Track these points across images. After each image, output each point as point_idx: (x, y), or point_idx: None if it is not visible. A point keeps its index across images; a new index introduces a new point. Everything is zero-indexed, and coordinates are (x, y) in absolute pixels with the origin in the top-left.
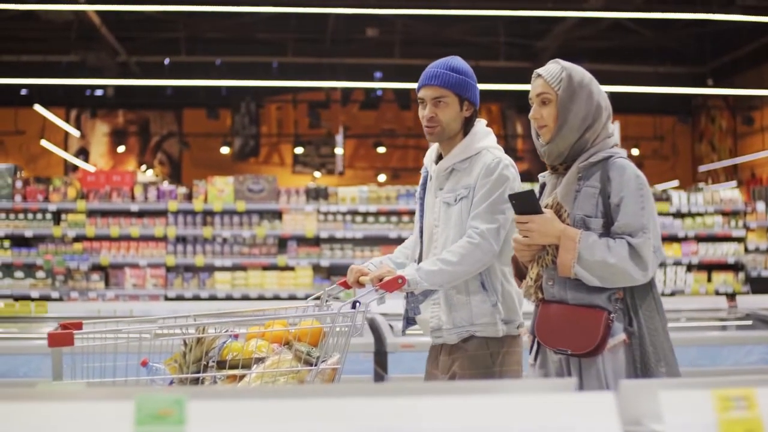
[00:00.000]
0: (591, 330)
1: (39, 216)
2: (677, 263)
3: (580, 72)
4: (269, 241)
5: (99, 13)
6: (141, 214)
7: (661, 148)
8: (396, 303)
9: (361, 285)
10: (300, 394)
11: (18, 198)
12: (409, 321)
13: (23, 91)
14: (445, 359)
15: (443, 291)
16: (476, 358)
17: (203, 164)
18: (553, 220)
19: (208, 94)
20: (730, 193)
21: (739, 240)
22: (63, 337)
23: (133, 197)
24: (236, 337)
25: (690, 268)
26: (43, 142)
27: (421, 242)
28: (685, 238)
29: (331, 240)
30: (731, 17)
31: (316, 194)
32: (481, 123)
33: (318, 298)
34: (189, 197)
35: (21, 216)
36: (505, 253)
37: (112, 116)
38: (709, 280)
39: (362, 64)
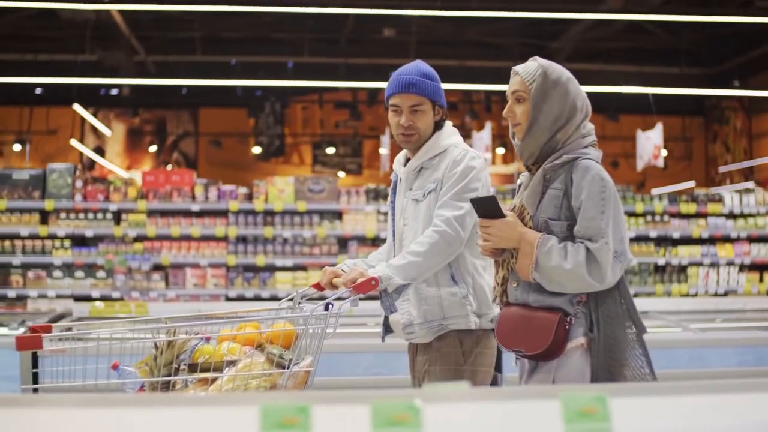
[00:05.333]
0: (544, 331)
1: (99, 216)
2: (730, 263)
3: (557, 71)
4: (330, 241)
5: (119, 12)
6: (201, 214)
7: (676, 148)
8: None
9: (334, 287)
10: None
11: (78, 197)
12: (387, 329)
13: (38, 90)
14: (420, 359)
15: (413, 286)
16: (448, 356)
17: (220, 164)
18: (515, 224)
19: (225, 94)
20: None
21: None
22: (31, 340)
23: (193, 197)
24: (208, 340)
25: (742, 268)
26: (73, 142)
27: (394, 245)
28: (738, 239)
29: None
30: (749, 19)
31: (376, 194)
32: (448, 124)
33: (291, 299)
34: (249, 197)
35: (81, 216)
36: (476, 245)
37: (129, 115)
38: (761, 280)
39: (378, 64)
